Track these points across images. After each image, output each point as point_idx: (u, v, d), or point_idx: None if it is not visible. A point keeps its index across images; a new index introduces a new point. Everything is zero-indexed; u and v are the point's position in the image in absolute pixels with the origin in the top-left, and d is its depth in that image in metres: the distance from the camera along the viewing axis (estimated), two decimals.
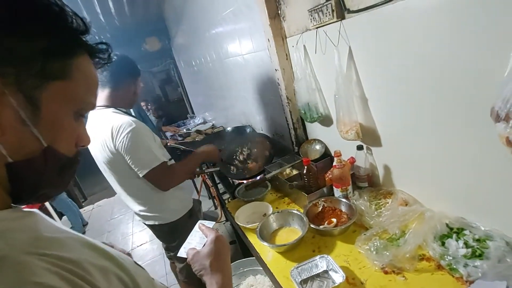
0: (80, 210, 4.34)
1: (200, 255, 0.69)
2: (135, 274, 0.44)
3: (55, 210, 3.43)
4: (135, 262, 0.50)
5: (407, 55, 0.98)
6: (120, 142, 1.29)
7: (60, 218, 3.76)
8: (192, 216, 1.64)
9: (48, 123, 0.39)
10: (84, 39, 0.44)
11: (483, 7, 0.73)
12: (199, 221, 0.83)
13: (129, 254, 0.68)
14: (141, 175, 1.33)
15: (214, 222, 0.85)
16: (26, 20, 0.37)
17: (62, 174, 0.44)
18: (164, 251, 1.86)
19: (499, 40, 0.72)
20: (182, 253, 0.76)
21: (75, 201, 4.36)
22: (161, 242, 1.85)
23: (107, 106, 1.40)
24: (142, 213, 1.53)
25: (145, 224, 1.59)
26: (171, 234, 1.58)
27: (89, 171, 1.58)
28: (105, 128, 1.32)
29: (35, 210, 0.42)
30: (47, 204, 3.26)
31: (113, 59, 1.43)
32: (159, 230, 1.60)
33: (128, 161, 1.32)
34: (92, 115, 1.42)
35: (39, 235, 0.37)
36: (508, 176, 0.84)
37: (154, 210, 1.51)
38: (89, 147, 1.45)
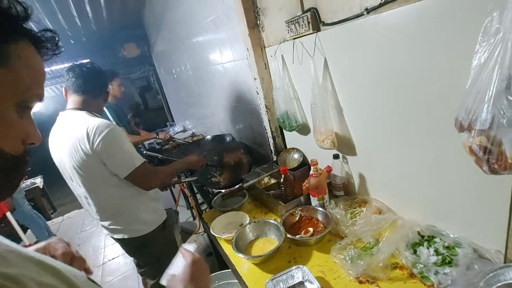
0: (48, 222, 4.07)
1: (175, 280, 0.69)
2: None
3: (18, 223, 3.19)
4: (90, 279, 0.46)
5: (377, 68, 1.02)
6: (98, 143, 1.22)
7: (25, 232, 3.50)
8: (165, 229, 1.57)
9: None
10: (25, 26, 0.41)
11: (445, 23, 0.77)
12: (182, 245, 0.81)
13: (86, 270, 0.64)
14: (122, 176, 1.28)
15: (195, 246, 0.84)
16: None
17: (8, 176, 0.40)
18: (135, 266, 1.76)
19: (461, 52, 0.75)
20: (163, 280, 0.73)
21: (42, 213, 4.09)
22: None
23: (80, 109, 1.34)
24: (111, 226, 1.43)
25: (113, 238, 1.50)
26: (142, 248, 1.50)
27: (59, 180, 1.47)
28: (78, 130, 1.24)
29: None
30: (9, 216, 3.02)
31: (81, 65, 1.36)
32: (129, 244, 1.51)
33: (107, 163, 1.26)
34: (61, 117, 1.35)
35: None
36: (472, 184, 0.88)
37: (124, 223, 1.43)
38: (54, 151, 1.37)
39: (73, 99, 1.35)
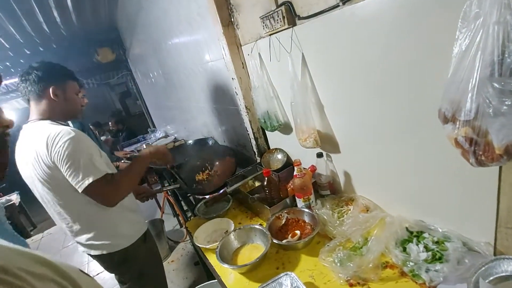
0: (28, 240, 3.84)
1: None
2: (80, 282, 0.39)
3: None
4: (81, 270, 0.44)
5: (356, 61, 0.98)
6: (56, 153, 1.11)
7: None
8: (147, 241, 1.48)
9: None
10: None
11: (423, 9, 0.74)
12: None
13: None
14: (80, 190, 1.14)
15: None
16: None
17: None
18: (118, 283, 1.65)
19: (441, 41, 0.72)
20: None
21: (22, 232, 3.87)
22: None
23: (42, 119, 1.23)
24: (88, 242, 1.33)
25: (90, 255, 1.39)
26: (122, 263, 1.40)
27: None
28: (39, 140, 1.14)
29: None
30: None
31: (33, 68, 1.25)
32: (108, 261, 1.40)
33: (65, 175, 1.14)
34: (24, 130, 1.25)
35: None
36: (458, 177, 0.85)
37: (101, 237, 1.32)
38: (21, 168, 1.26)
39: (34, 109, 1.25)
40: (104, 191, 1.18)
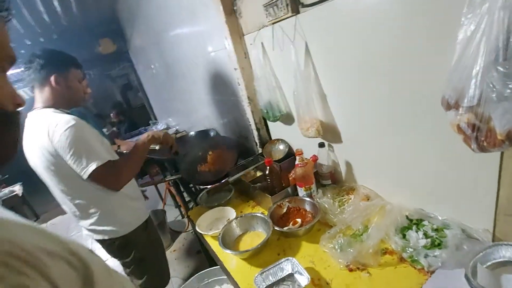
0: None
1: None
2: (90, 260, 0.39)
3: None
4: (91, 251, 0.44)
5: (360, 49, 0.98)
6: (58, 142, 1.14)
7: None
8: (148, 228, 1.50)
9: None
10: None
11: None
12: None
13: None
14: (85, 177, 1.17)
15: None
16: None
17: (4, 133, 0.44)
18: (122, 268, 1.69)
19: (447, 28, 0.72)
20: None
21: None
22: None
23: (46, 107, 1.25)
24: (90, 227, 1.36)
25: (94, 240, 1.43)
26: (123, 249, 1.43)
27: (39, 185, 1.38)
28: (42, 130, 1.17)
29: None
30: None
31: (36, 56, 1.25)
32: (110, 246, 1.44)
33: (69, 162, 1.17)
34: (30, 118, 1.26)
35: None
36: (459, 165, 0.86)
37: (102, 223, 1.36)
38: (28, 156, 1.29)
39: (38, 96, 1.27)
40: (108, 176, 1.21)
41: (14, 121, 0.46)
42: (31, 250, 0.32)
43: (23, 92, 5.13)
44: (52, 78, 1.24)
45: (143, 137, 1.42)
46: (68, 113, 1.27)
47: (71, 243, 0.40)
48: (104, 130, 4.80)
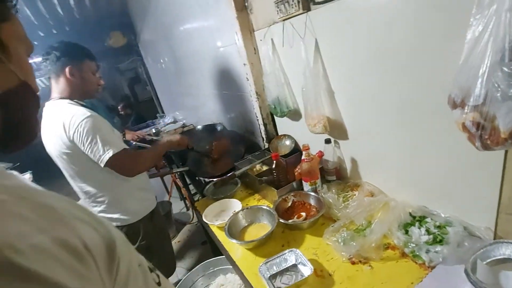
0: None
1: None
2: (114, 232, 0.42)
3: None
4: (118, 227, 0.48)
5: (370, 48, 0.99)
6: (75, 133, 1.22)
7: None
8: (154, 218, 1.56)
9: (17, 60, 0.44)
10: None
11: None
12: None
13: None
14: (102, 165, 1.24)
15: None
16: None
17: (31, 112, 0.48)
18: None
19: (455, 28, 0.74)
20: None
21: None
22: None
23: (62, 98, 1.31)
24: (100, 214, 1.42)
25: None
26: (129, 237, 1.49)
27: (50, 174, 1.45)
28: (58, 120, 1.24)
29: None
30: None
31: (53, 48, 1.31)
32: None
33: (86, 151, 1.24)
34: (46, 108, 1.33)
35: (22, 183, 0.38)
36: (463, 162, 0.88)
37: (111, 210, 1.42)
38: (45, 144, 1.36)
39: (54, 87, 1.33)
40: (125, 162, 1.29)
41: (39, 104, 0.50)
42: (64, 213, 0.36)
43: (39, 81, 5.26)
44: (67, 70, 1.29)
45: (167, 139, 1.58)
46: (82, 105, 1.32)
47: (97, 214, 0.43)
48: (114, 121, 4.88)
